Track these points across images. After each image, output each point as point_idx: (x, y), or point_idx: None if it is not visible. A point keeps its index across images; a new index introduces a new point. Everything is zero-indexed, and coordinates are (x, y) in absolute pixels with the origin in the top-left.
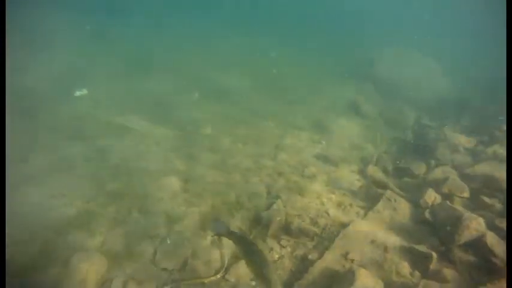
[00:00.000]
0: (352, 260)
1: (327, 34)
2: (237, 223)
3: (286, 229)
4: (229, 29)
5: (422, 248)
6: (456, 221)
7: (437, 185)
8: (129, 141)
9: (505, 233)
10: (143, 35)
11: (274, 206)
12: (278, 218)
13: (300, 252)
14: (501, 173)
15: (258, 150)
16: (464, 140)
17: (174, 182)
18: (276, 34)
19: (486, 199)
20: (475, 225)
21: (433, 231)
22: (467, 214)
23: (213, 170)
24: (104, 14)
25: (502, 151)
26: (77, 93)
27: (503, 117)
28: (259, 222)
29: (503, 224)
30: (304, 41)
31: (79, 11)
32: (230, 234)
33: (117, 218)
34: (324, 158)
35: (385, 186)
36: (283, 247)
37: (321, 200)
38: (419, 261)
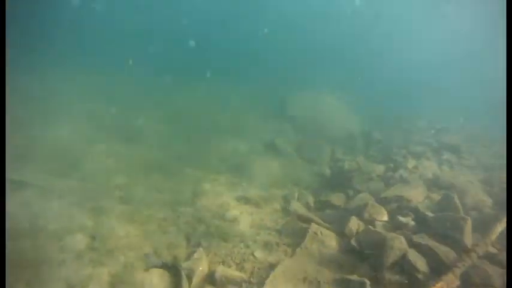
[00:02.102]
0: None
1: (241, 74)
2: (154, 280)
3: (211, 279)
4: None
5: (354, 277)
6: (381, 244)
7: (358, 212)
8: (22, 197)
9: (422, 248)
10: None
11: (195, 255)
12: (200, 268)
13: None
14: (409, 193)
15: (175, 198)
16: (375, 168)
17: (79, 241)
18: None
19: (402, 219)
20: (397, 244)
21: (361, 258)
22: (389, 235)
23: (125, 223)
24: None
25: (407, 175)
26: None
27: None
28: (180, 276)
29: (419, 239)
30: (218, 82)
31: None
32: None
33: None
34: (246, 200)
35: (309, 220)
36: None
37: (246, 243)
38: None
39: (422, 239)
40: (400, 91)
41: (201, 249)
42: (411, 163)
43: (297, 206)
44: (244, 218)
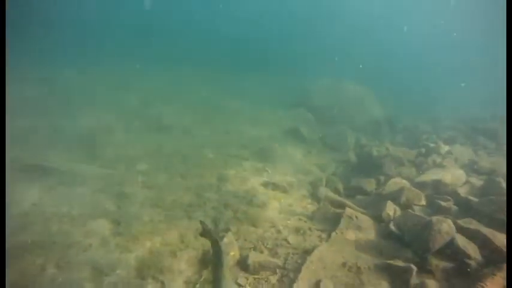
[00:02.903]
0: None
1: (264, 65)
2: (182, 265)
3: (243, 265)
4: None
5: (398, 263)
6: (425, 228)
7: (393, 197)
8: (47, 182)
9: (471, 234)
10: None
11: (225, 240)
12: (232, 253)
13: None
14: (446, 178)
15: (200, 183)
16: (406, 154)
17: (103, 226)
18: (210, 67)
19: (442, 203)
20: (446, 228)
21: (402, 243)
22: (434, 218)
23: (149, 208)
24: None
25: (440, 160)
26: None
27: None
28: (209, 261)
29: (467, 224)
30: (239, 72)
31: None
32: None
33: (27, 273)
34: (272, 185)
35: (342, 205)
36: (242, 287)
37: (277, 228)
38: (397, 278)
39: (471, 224)
40: (424, 77)
41: (230, 233)
42: (444, 148)
43: (326, 192)
44: (272, 204)
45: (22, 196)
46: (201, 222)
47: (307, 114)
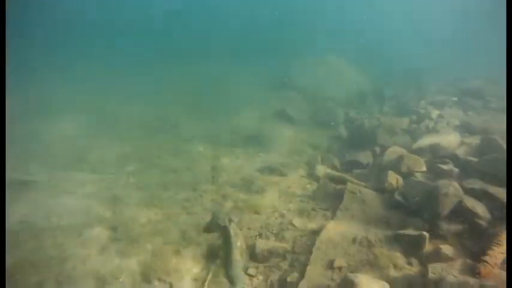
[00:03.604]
0: (341, 268)
1: (243, 46)
2: (188, 263)
3: (250, 254)
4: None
5: (410, 231)
6: (432, 193)
7: (393, 166)
8: (32, 196)
9: (477, 194)
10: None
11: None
12: (238, 244)
13: (275, 277)
14: (443, 141)
15: (194, 177)
16: (397, 122)
17: (100, 233)
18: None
19: (443, 167)
20: (453, 190)
21: (409, 212)
22: (440, 182)
23: (145, 208)
24: None
25: (433, 124)
26: None
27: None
28: (216, 256)
29: (471, 185)
30: (220, 55)
31: None
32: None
33: None
34: (268, 170)
35: (343, 181)
36: (253, 277)
37: (280, 212)
38: (411, 247)
39: (476, 184)
40: (405, 47)
41: (233, 224)
42: (434, 113)
43: (323, 169)
44: (270, 188)
45: (7, 215)
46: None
47: (293, 94)
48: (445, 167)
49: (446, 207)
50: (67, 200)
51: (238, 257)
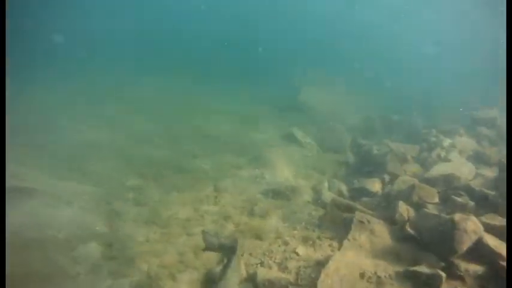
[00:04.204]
0: None
1: (253, 69)
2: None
3: (251, 283)
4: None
5: (423, 269)
6: (448, 228)
7: (404, 196)
8: (27, 205)
9: (498, 231)
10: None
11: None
12: (238, 267)
13: None
14: (456, 172)
15: (196, 196)
16: (408, 150)
17: (94, 249)
18: (192, 72)
19: (458, 199)
20: (472, 226)
21: (422, 246)
22: (458, 216)
23: (144, 226)
24: None
25: (445, 153)
26: None
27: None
28: (213, 281)
29: (491, 220)
30: (226, 78)
31: None
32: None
33: None
34: (273, 193)
35: (351, 209)
36: None
37: (283, 239)
38: (424, 287)
39: (495, 220)
40: (414, 74)
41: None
42: (446, 141)
43: (330, 196)
44: (274, 213)
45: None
46: (203, 233)
47: (301, 117)
48: (459, 199)
49: (464, 244)
50: (63, 211)
51: (234, 278)
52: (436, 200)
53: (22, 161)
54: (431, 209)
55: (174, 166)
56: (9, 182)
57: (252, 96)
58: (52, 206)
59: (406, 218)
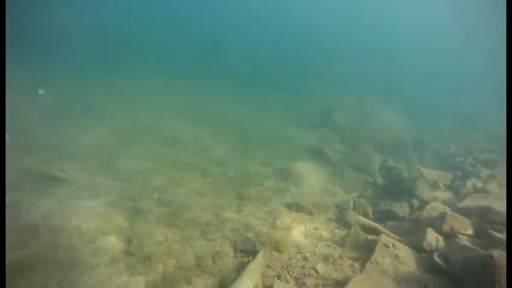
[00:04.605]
0: None
1: (286, 84)
2: None
3: None
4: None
5: None
6: (486, 264)
7: (434, 224)
8: (59, 194)
9: None
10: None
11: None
12: (255, 282)
13: None
14: (496, 204)
15: (219, 202)
16: (441, 176)
17: (113, 244)
18: (229, 82)
19: (496, 234)
20: None
21: (452, 280)
22: (497, 252)
23: (164, 226)
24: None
25: (481, 184)
26: None
27: None
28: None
29: None
30: (262, 91)
31: None
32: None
33: None
34: (297, 207)
35: (376, 231)
36: None
37: (303, 254)
38: None
39: None
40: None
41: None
42: (485, 172)
43: (354, 216)
44: (297, 227)
45: (32, 207)
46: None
47: (331, 134)
48: (497, 234)
49: (503, 283)
50: (90, 203)
51: (247, 282)
52: (470, 231)
53: (62, 152)
54: (463, 241)
55: (200, 170)
56: (44, 169)
57: (283, 107)
58: (80, 198)
59: (435, 246)
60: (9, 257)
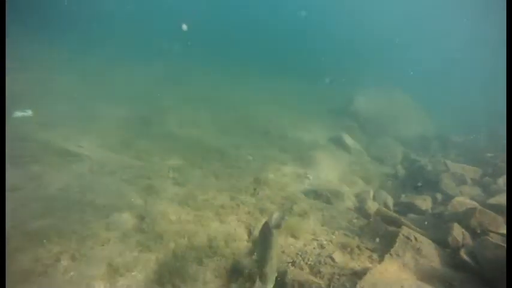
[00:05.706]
0: None
1: (308, 71)
2: (208, 275)
3: (279, 282)
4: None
5: None
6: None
7: (460, 219)
8: (76, 168)
9: None
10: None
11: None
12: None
13: None
14: None
15: (235, 185)
16: (468, 171)
17: (126, 220)
18: (255, 69)
19: None
20: None
21: (480, 278)
22: None
23: (178, 206)
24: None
25: None
26: (18, 114)
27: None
28: (240, 273)
29: None
30: (284, 78)
31: None
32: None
33: (35, 270)
34: (314, 194)
35: (396, 223)
36: None
37: (320, 242)
38: None
39: None
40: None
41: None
42: None
43: (374, 206)
44: (314, 214)
45: (50, 180)
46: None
47: (352, 123)
48: None
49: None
50: (106, 179)
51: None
52: (503, 230)
53: (80, 128)
54: (494, 239)
55: (217, 152)
56: (64, 144)
57: (304, 94)
58: (97, 173)
59: (461, 243)
60: (29, 225)
